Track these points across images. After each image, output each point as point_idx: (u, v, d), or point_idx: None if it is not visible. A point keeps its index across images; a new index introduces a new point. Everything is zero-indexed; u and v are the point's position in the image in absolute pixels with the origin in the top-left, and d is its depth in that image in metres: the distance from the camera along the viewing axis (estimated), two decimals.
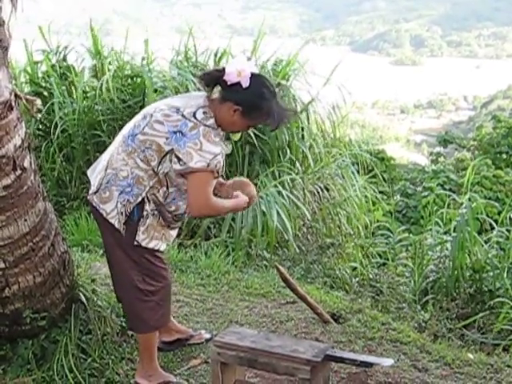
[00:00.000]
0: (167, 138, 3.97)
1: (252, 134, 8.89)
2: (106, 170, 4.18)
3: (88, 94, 9.70)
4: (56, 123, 9.11)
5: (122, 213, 4.11)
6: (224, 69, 4.04)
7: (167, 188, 4.10)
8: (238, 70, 3.98)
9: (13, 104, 3.93)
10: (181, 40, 10.60)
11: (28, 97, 4.41)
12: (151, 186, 4.08)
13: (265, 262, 7.54)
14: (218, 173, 4.03)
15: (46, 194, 4.46)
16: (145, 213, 4.12)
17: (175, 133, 3.95)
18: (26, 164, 4.10)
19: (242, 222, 8.17)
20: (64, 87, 9.61)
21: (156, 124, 4.02)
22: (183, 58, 10.43)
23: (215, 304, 5.93)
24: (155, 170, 4.04)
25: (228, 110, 4.06)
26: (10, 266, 4.21)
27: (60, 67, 9.90)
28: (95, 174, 4.28)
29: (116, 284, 4.45)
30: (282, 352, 3.39)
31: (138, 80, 9.62)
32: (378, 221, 11.24)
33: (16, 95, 4.05)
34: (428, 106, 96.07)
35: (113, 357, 4.72)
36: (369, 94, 76.36)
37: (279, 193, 8.50)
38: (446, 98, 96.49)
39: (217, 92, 4.14)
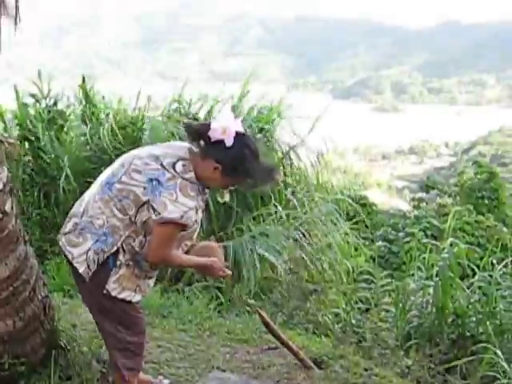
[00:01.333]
0: (144, 188, 3.90)
1: None
2: (81, 216, 4.11)
3: (78, 141, 9.69)
4: (44, 168, 9.11)
5: (94, 261, 4.03)
6: (209, 124, 3.98)
7: (144, 237, 4.02)
8: (223, 128, 3.92)
9: None
10: (168, 90, 10.68)
11: (9, 140, 4.41)
12: (127, 236, 4.01)
13: (247, 308, 7.50)
14: (186, 227, 3.96)
15: (27, 238, 4.43)
16: (118, 262, 4.04)
17: (152, 180, 3.89)
18: (8, 208, 4.08)
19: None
20: (53, 132, 9.57)
21: (134, 173, 3.97)
22: (176, 109, 10.51)
23: (197, 349, 5.88)
24: (132, 219, 3.97)
25: (208, 166, 3.98)
26: None
27: (49, 112, 9.88)
28: (70, 215, 4.24)
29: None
30: None
31: (129, 129, 9.61)
32: (360, 267, 11.22)
33: None
34: (409, 151, 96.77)
35: None
36: (350, 140, 76.85)
37: (263, 236, 8.48)
38: (428, 144, 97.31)
39: (199, 146, 4.07)
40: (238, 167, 3.97)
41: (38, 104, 10.02)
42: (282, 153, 10.30)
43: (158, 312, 6.71)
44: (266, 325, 5.43)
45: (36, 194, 9.15)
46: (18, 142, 5.02)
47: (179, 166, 3.93)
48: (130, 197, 3.94)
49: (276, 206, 9.79)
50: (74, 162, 9.19)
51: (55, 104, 10.23)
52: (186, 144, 4.13)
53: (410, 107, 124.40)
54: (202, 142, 4.02)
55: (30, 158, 9.30)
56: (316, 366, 5.53)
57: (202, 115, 10.49)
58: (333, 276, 9.65)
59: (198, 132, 4.04)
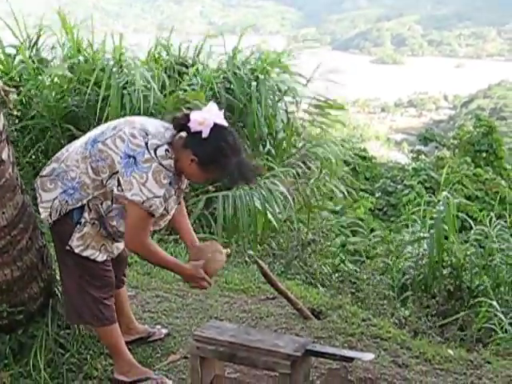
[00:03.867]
0: (121, 158, 3.87)
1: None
2: (60, 162, 4.12)
3: (60, 88, 9.56)
4: (31, 116, 9.04)
5: (56, 210, 4.05)
6: (189, 114, 3.92)
7: (112, 203, 4.01)
8: (202, 119, 3.85)
9: None
10: (157, 35, 10.55)
11: (6, 88, 4.36)
12: (94, 196, 4.00)
13: (245, 258, 7.51)
14: (152, 215, 3.92)
15: (24, 187, 4.41)
16: (82, 220, 4.04)
17: (129, 157, 3.84)
18: (4, 156, 4.05)
19: (223, 218, 8.13)
20: (38, 82, 9.45)
21: (118, 140, 3.92)
22: (158, 52, 10.40)
23: (195, 299, 5.90)
24: (104, 182, 3.95)
25: (186, 157, 3.92)
26: None
27: (33, 61, 9.75)
28: (52, 159, 4.22)
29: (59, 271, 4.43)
30: (262, 346, 3.36)
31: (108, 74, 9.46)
32: (359, 218, 11.26)
33: None
34: (409, 104, 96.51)
35: (91, 352, 4.68)
36: (349, 93, 76.56)
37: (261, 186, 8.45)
38: (427, 97, 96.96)
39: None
40: (213, 160, 3.90)
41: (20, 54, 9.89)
42: (278, 100, 10.20)
43: None
44: (265, 275, 5.44)
45: (25, 142, 9.11)
46: (14, 89, 4.97)
47: (161, 151, 3.87)
48: (107, 161, 3.92)
49: (272, 154, 9.76)
50: (60, 109, 9.11)
51: (37, 51, 10.06)
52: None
53: (410, 60, 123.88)
54: (183, 133, 3.96)
55: (19, 106, 9.22)
56: (314, 316, 5.56)
57: (189, 59, 10.40)
58: (329, 226, 9.65)
59: (180, 122, 3.96)
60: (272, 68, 10.31)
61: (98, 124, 5.68)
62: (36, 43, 9.98)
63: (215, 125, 3.86)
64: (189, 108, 8.28)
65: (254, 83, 9.59)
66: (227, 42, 10.63)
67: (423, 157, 25.49)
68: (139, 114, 8.17)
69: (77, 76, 9.27)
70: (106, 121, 7.92)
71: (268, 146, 9.78)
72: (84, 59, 9.53)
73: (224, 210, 8.12)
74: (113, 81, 8.82)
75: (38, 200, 4.13)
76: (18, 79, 9.29)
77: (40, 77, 9.35)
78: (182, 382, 4.52)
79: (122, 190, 3.85)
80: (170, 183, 3.92)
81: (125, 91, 8.89)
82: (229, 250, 4.46)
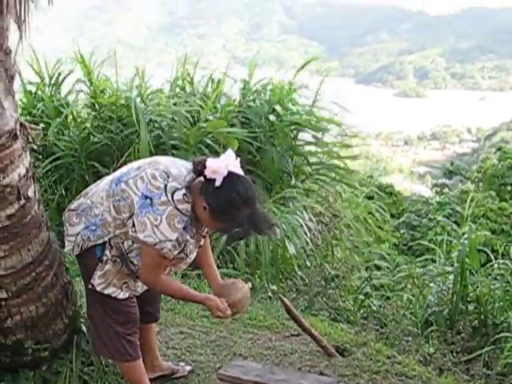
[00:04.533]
0: (139, 198, 3.87)
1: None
2: (87, 198, 4.15)
3: (83, 125, 9.63)
4: (54, 153, 9.11)
5: (78, 245, 4.07)
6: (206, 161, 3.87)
7: (132, 242, 4.01)
8: (216, 167, 3.78)
9: (18, 133, 3.92)
10: (176, 69, 10.61)
11: (32, 126, 4.40)
12: (115, 235, 4.01)
13: (269, 294, 7.48)
14: (164, 257, 3.90)
15: (49, 223, 4.44)
16: (104, 257, 4.05)
17: (146, 198, 3.83)
18: (31, 193, 4.09)
19: (246, 253, 8.12)
20: (60, 119, 9.52)
21: (139, 180, 3.91)
22: (181, 85, 10.45)
23: (219, 336, 5.88)
24: (124, 221, 3.96)
25: (200, 204, 3.86)
26: (12, 296, 4.19)
27: (53, 100, 9.82)
28: (82, 193, 4.25)
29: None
30: None
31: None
32: (386, 254, 11.20)
33: (21, 124, 4.03)
34: (432, 137, 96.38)
35: None
36: (373, 126, 76.60)
37: (283, 221, 8.44)
38: (450, 130, 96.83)
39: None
40: (223, 211, 3.82)
41: (41, 91, 9.96)
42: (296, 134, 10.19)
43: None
44: (289, 312, 5.41)
45: (50, 180, 9.18)
46: (40, 127, 5.03)
47: (178, 195, 3.83)
48: (127, 201, 3.92)
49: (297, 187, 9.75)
50: (85, 147, 9.19)
51: (58, 90, 10.13)
52: None
53: (433, 93, 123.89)
54: (201, 178, 3.90)
55: (42, 145, 9.29)
56: (338, 353, 5.51)
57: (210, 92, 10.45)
58: (354, 260, 9.60)
59: (196, 167, 3.91)
60: (288, 99, 10.30)
61: (122, 161, 5.72)
62: (57, 81, 10.07)
63: (229, 173, 3.80)
64: (213, 137, 8.36)
65: (272, 116, 9.59)
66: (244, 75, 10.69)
67: (447, 190, 25.40)
68: (165, 150, 8.24)
69: (100, 114, 9.34)
70: (130, 157, 7.98)
71: (293, 179, 9.76)
72: (108, 97, 9.59)
73: (247, 245, 8.12)
74: (140, 116, 8.86)
75: (65, 233, 4.16)
76: (40, 117, 9.37)
77: (63, 115, 9.44)
78: None
79: (136, 232, 3.84)
80: (185, 227, 3.89)
81: (150, 126, 8.95)
82: (250, 284, 4.42)
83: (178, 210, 3.81)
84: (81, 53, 10.16)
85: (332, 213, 9.65)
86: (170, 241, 3.81)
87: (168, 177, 3.88)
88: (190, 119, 9.35)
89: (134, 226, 3.86)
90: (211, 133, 8.76)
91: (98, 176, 8.29)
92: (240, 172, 3.89)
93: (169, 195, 3.81)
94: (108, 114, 9.26)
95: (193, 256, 4.17)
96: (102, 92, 9.82)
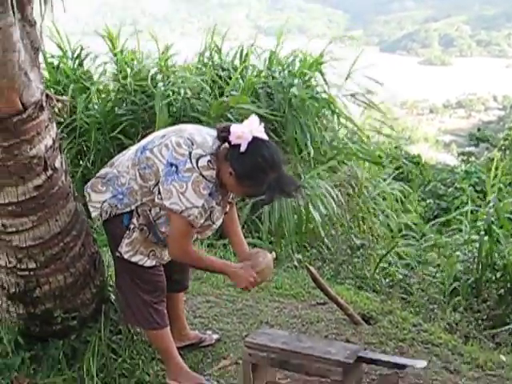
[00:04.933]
0: (164, 166, 3.91)
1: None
2: (113, 167, 4.21)
3: (108, 97, 9.63)
4: (79, 126, 9.13)
5: (106, 212, 4.12)
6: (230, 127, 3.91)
7: (159, 210, 4.04)
8: (240, 132, 3.83)
9: (44, 104, 3.93)
10: (205, 40, 10.54)
11: (59, 97, 4.42)
12: (143, 203, 4.04)
13: (295, 263, 7.50)
14: (191, 225, 3.93)
15: (76, 194, 4.47)
16: (131, 225, 4.09)
17: (171, 165, 3.87)
18: (57, 164, 4.11)
19: (270, 222, 8.13)
20: (84, 93, 9.52)
21: (164, 148, 3.95)
22: (208, 57, 10.40)
23: (245, 305, 5.91)
24: (151, 189, 3.99)
25: (226, 170, 3.91)
26: (40, 266, 4.23)
27: (76, 73, 9.82)
28: (109, 162, 4.31)
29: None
30: (314, 353, 3.37)
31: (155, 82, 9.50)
32: (412, 224, 11.16)
33: (47, 95, 4.05)
34: (457, 105, 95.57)
35: (143, 357, 4.72)
36: (398, 95, 76.05)
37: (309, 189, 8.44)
38: (476, 98, 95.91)
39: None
40: (249, 175, 3.87)
41: (63, 64, 9.95)
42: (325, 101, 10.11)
43: None
44: (315, 280, 5.43)
45: (74, 152, 9.23)
46: (66, 98, 5.02)
47: (203, 161, 3.86)
48: (153, 168, 3.96)
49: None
50: (109, 120, 9.20)
51: (80, 64, 10.12)
52: None
53: (458, 60, 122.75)
54: (226, 144, 3.94)
55: (65, 117, 9.31)
56: (364, 321, 5.54)
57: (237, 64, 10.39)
58: (382, 231, 9.59)
59: (221, 134, 3.95)
60: (313, 71, 10.23)
61: (146, 132, 5.72)
62: (80, 54, 10.06)
63: (254, 139, 3.84)
64: (232, 113, 8.33)
65: (293, 89, 9.52)
66: (273, 45, 10.63)
67: (473, 159, 25.15)
68: (187, 122, 8.26)
69: (124, 86, 9.33)
70: (155, 129, 8.00)
71: (312, 151, 9.70)
72: (131, 69, 9.58)
73: (270, 214, 8.13)
74: (157, 90, 8.86)
75: (87, 199, 4.21)
76: (63, 90, 9.38)
77: (87, 89, 9.45)
78: None
79: (162, 199, 3.88)
80: (211, 194, 3.93)
81: (171, 99, 8.92)
82: (274, 254, 4.45)
83: (203, 176, 3.83)
84: (107, 26, 10.15)
85: (356, 184, 9.65)
86: (197, 207, 3.84)
87: (192, 144, 3.90)
88: (216, 91, 9.33)
89: (159, 193, 3.89)
90: (233, 107, 8.74)
91: (123, 148, 8.32)
92: (264, 137, 3.92)
93: (193, 162, 3.83)
94: (132, 87, 9.25)
95: (219, 223, 4.21)
96: (126, 64, 9.82)
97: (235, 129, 3.86)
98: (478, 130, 29.38)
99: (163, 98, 8.82)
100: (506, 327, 6.71)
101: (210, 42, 10.53)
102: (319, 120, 10.07)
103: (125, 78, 9.44)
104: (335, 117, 10.46)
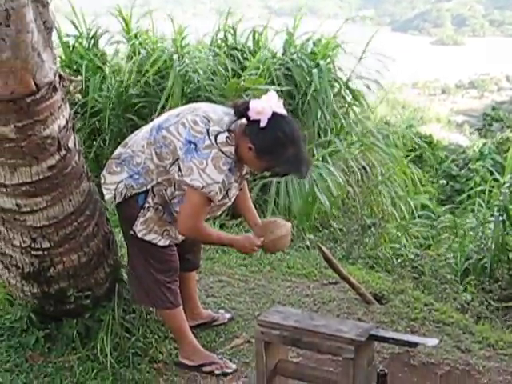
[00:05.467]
0: (183, 144, 3.93)
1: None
2: (126, 147, 4.23)
3: (121, 78, 9.62)
4: (91, 107, 9.14)
5: (121, 193, 4.15)
6: (249, 102, 3.95)
7: (175, 189, 4.08)
8: (260, 107, 3.87)
9: (57, 85, 3.95)
10: (218, 21, 10.50)
11: (72, 77, 4.43)
12: (158, 182, 4.07)
13: (307, 243, 7.52)
14: (211, 200, 3.97)
15: (90, 174, 4.50)
16: (146, 204, 4.12)
17: (190, 143, 3.90)
18: (71, 144, 4.13)
19: (282, 202, 8.15)
20: (98, 74, 9.51)
21: (181, 126, 3.98)
22: (222, 39, 10.37)
23: (257, 284, 5.95)
24: (167, 168, 4.02)
25: (245, 145, 3.95)
26: (54, 245, 4.27)
27: (90, 54, 9.80)
28: (122, 143, 4.34)
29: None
30: (326, 331, 3.38)
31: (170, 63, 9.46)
32: (423, 205, 11.14)
33: (60, 76, 4.07)
34: (470, 86, 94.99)
35: (156, 336, 4.77)
36: (409, 75, 75.68)
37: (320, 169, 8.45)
38: (488, 78, 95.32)
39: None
40: (269, 150, 3.92)
41: (80, 44, 9.95)
42: (340, 85, 10.08)
43: (218, 247, 6.77)
44: (327, 259, 5.45)
45: (87, 132, 9.25)
46: (79, 79, 5.05)
47: (221, 137, 3.90)
48: (170, 147, 3.98)
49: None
50: (122, 100, 9.21)
51: (95, 44, 10.10)
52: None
53: (471, 40, 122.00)
54: (244, 120, 3.98)
55: (79, 97, 9.30)
56: (376, 300, 5.56)
57: (251, 45, 10.35)
58: (393, 210, 9.58)
59: (240, 110, 3.98)
60: (333, 52, 10.20)
61: (160, 113, 5.72)
62: (95, 34, 10.06)
63: (274, 114, 3.88)
64: (248, 95, 8.31)
65: (314, 70, 9.49)
66: (285, 25, 10.58)
67: (484, 139, 24.97)
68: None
69: (138, 67, 9.33)
70: (168, 110, 8.01)
71: (329, 134, 9.71)
72: (145, 50, 9.57)
73: (277, 195, 8.16)
74: (172, 71, 8.85)
75: (102, 181, 4.24)
76: (78, 71, 9.38)
77: (101, 69, 9.45)
78: (246, 366, 4.58)
79: (182, 176, 3.91)
80: (230, 170, 3.96)
81: (185, 79, 8.92)
82: (290, 224, 4.50)
83: (222, 152, 3.88)
84: (119, 6, 10.14)
85: (368, 165, 9.63)
86: (217, 183, 3.88)
87: (209, 121, 3.94)
88: (230, 72, 9.32)
89: (180, 170, 3.93)
90: (249, 88, 8.73)
91: (135, 128, 8.32)
92: (284, 112, 3.96)
93: (212, 138, 3.87)
94: (146, 68, 9.24)
95: (233, 199, 4.26)
96: (140, 45, 9.80)
97: (255, 104, 3.89)
98: (493, 108, 29.05)
99: (177, 79, 8.81)
100: None
101: (223, 23, 10.48)
102: (337, 103, 10.04)
103: (139, 59, 9.41)
104: (349, 98, 10.42)
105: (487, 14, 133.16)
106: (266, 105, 3.88)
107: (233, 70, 9.39)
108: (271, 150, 3.91)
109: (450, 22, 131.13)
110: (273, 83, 9.17)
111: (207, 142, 3.87)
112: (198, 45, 10.26)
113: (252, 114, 3.89)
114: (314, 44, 10.32)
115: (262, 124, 3.85)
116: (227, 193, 4.07)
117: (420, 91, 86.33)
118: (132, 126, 8.67)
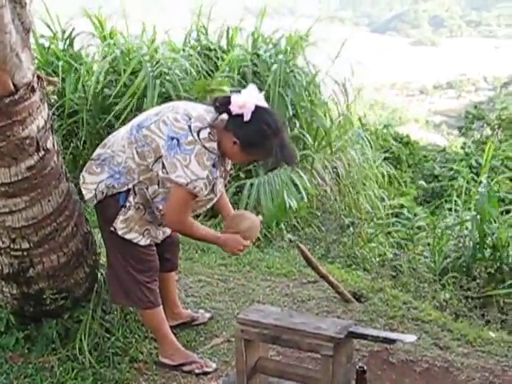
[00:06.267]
0: (165, 141, 3.94)
1: None
2: (106, 148, 4.23)
3: (97, 78, 9.59)
4: (69, 107, 9.11)
5: (102, 192, 4.15)
6: (230, 97, 3.98)
7: (158, 187, 4.09)
8: (243, 102, 3.90)
9: (35, 85, 3.95)
10: (190, 20, 10.50)
11: (50, 78, 4.43)
12: (140, 181, 4.08)
13: (285, 243, 7.54)
14: (196, 196, 3.99)
15: (68, 175, 4.49)
16: (127, 204, 4.12)
17: (172, 139, 3.92)
18: (49, 145, 4.13)
19: (258, 203, 8.17)
20: (73, 74, 9.47)
21: (162, 124, 4.00)
22: (195, 39, 10.38)
23: (237, 284, 5.97)
24: (150, 166, 4.03)
25: (229, 140, 3.98)
26: (34, 246, 4.26)
27: (65, 55, 9.77)
28: (101, 144, 4.33)
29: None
30: (306, 329, 3.40)
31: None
32: (402, 205, 11.20)
33: (38, 77, 4.07)
34: (447, 86, 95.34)
35: (136, 336, 4.78)
36: (388, 75, 75.93)
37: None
38: (466, 79, 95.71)
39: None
40: (255, 143, 3.96)
41: (55, 45, 9.92)
42: (307, 81, 10.03)
43: (197, 247, 6.79)
44: (306, 259, 5.46)
45: (63, 133, 9.22)
46: (57, 79, 5.04)
47: (204, 133, 3.92)
48: (151, 145, 3.99)
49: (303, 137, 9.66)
50: (98, 100, 9.18)
51: (71, 44, 10.06)
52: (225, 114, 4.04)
53: (448, 41, 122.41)
54: (225, 115, 3.99)
55: (56, 98, 9.26)
56: (355, 299, 5.59)
57: (224, 45, 10.37)
58: (369, 209, 9.63)
59: (221, 104, 4.02)
60: (298, 49, 10.16)
61: (136, 114, 5.73)
62: (70, 35, 10.02)
63: (256, 107, 3.92)
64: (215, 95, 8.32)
65: (274, 66, 9.47)
66: (263, 26, 10.58)
67: (464, 138, 25.03)
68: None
69: (113, 68, 9.31)
70: (144, 110, 7.99)
71: (296, 129, 9.68)
72: (119, 50, 9.53)
73: (248, 197, 8.18)
74: (143, 72, 8.83)
75: (81, 181, 4.24)
76: (54, 72, 9.34)
77: (77, 70, 9.42)
78: (226, 365, 4.60)
79: (167, 173, 3.92)
80: (214, 165, 3.98)
81: (158, 81, 8.89)
82: (260, 217, 4.54)
83: (205, 148, 3.90)
84: (86, 8, 10.11)
85: (345, 164, 9.67)
86: (202, 179, 3.90)
87: (190, 118, 3.97)
88: (203, 72, 9.32)
89: (164, 167, 3.94)
90: (215, 90, 8.73)
91: (112, 129, 8.33)
92: (265, 104, 4.01)
93: (195, 134, 3.90)
94: (120, 67, 9.21)
95: (219, 195, 4.29)
96: (114, 45, 9.77)
97: (236, 98, 3.93)
98: (475, 107, 29.06)
99: (149, 80, 8.80)
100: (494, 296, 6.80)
101: (196, 22, 10.48)
102: (308, 99, 9.99)
103: (113, 59, 9.39)
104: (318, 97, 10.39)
105: (464, 14, 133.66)
106: (248, 98, 3.92)
107: (209, 69, 9.40)
108: (256, 142, 3.95)
109: (427, 23, 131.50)
110: (244, 80, 9.19)
111: (190, 138, 3.89)
112: (172, 45, 10.24)
113: (234, 109, 3.92)
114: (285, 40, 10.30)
115: (246, 118, 3.89)
116: (213, 188, 4.09)
117: (398, 92, 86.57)
118: (109, 126, 8.67)
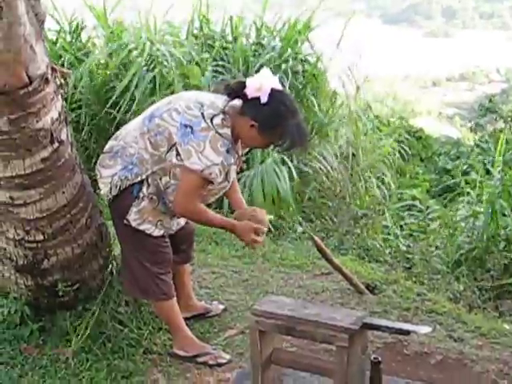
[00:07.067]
0: (178, 129, 3.95)
1: None
2: (118, 140, 4.23)
3: (99, 71, 9.56)
4: (78, 100, 9.12)
5: (116, 185, 4.14)
6: (245, 81, 4.00)
7: (170, 178, 4.09)
8: (259, 84, 3.91)
9: (49, 77, 3.95)
10: (194, 9, 10.46)
11: (63, 70, 4.44)
12: (153, 172, 4.08)
13: (298, 234, 7.54)
14: (210, 182, 3.99)
15: (82, 166, 4.50)
16: (141, 194, 4.12)
17: (186, 126, 3.92)
18: (63, 137, 4.14)
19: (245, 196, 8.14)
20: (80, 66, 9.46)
21: (174, 113, 4.01)
22: (198, 29, 10.35)
23: (251, 275, 5.97)
24: (163, 156, 4.03)
25: (245, 124, 3.99)
26: (48, 238, 4.27)
27: (72, 47, 9.76)
28: (113, 136, 4.34)
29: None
30: (320, 320, 3.40)
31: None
32: (415, 198, 11.16)
33: (52, 68, 4.07)
34: (460, 78, 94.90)
35: (150, 327, 4.78)
36: (400, 67, 75.66)
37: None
38: (479, 71, 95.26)
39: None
40: (273, 124, 3.96)
41: (63, 38, 9.92)
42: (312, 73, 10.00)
43: (211, 239, 6.79)
44: (320, 250, 5.44)
45: (74, 125, 9.21)
46: (71, 71, 5.03)
47: (217, 119, 3.94)
48: (164, 134, 3.99)
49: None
50: (102, 95, 9.16)
51: (78, 37, 10.05)
52: (236, 100, 4.07)
53: (461, 33, 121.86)
54: (237, 101, 4.01)
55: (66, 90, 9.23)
56: (369, 291, 5.58)
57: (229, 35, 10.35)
58: (382, 200, 9.59)
59: (234, 90, 4.03)
60: (304, 35, 10.13)
61: (139, 108, 5.72)
62: (77, 28, 10.02)
63: (272, 89, 3.93)
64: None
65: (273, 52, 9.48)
66: (268, 17, 10.54)
67: (484, 133, 24.86)
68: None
69: (115, 61, 9.28)
70: (146, 102, 7.99)
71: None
72: (120, 44, 9.50)
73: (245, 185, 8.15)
74: (136, 64, 8.81)
75: (98, 176, 4.25)
76: (62, 65, 9.33)
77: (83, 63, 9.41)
78: (240, 357, 4.59)
79: (182, 160, 3.93)
80: (228, 151, 3.98)
81: (152, 73, 8.85)
82: (272, 217, 4.53)
83: (219, 134, 3.91)
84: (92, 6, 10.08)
85: (355, 154, 9.62)
86: (216, 165, 3.90)
87: (202, 106, 3.98)
88: (209, 61, 9.31)
89: (178, 154, 3.94)
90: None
91: (116, 121, 8.36)
92: (280, 87, 4.03)
93: (208, 121, 3.91)
94: (124, 61, 9.20)
95: (232, 182, 4.28)
96: (116, 37, 9.75)
97: (252, 82, 3.95)
98: (490, 100, 28.85)
99: (140, 72, 8.77)
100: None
101: (198, 12, 10.44)
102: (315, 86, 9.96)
103: (114, 51, 9.37)
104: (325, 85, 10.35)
105: (477, 6, 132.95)
106: (264, 81, 3.94)
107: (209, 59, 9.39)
108: (275, 123, 3.95)
109: (440, 15, 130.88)
110: (247, 70, 9.20)
111: (203, 125, 3.90)
112: (174, 36, 10.19)
113: (251, 92, 3.93)
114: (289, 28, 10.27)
115: (263, 100, 3.90)
116: (226, 175, 4.07)
117: (411, 84, 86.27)
118: (113, 119, 8.66)
